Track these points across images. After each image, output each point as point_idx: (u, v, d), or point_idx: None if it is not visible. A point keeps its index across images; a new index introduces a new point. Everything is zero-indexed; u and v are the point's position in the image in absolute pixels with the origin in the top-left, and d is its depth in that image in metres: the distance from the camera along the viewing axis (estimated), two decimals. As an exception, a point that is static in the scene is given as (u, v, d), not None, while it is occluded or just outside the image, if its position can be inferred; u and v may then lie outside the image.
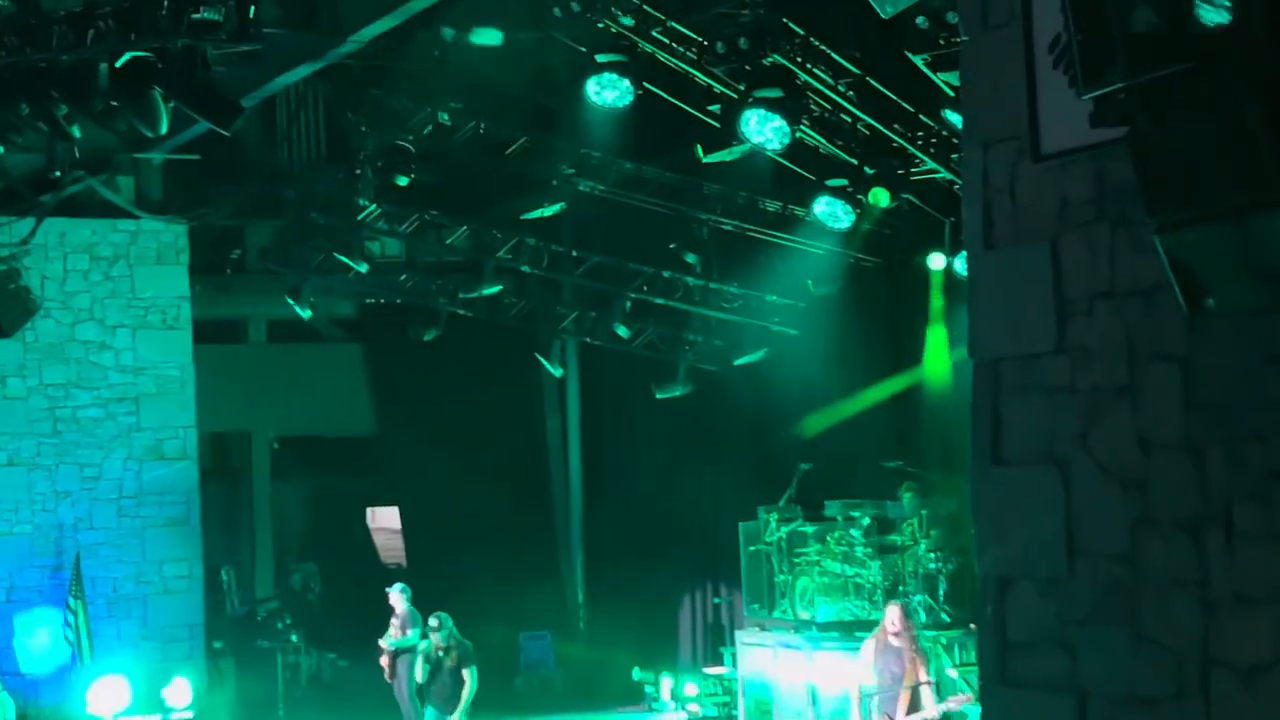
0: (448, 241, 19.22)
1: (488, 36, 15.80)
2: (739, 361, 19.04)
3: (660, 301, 19.17)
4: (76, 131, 13.25)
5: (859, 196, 15.72)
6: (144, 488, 19.57)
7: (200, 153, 19.07)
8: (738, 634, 17.22)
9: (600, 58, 14.47)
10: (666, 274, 18.93)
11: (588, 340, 20.38)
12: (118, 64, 12.26)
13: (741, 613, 17.61)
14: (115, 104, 12.56)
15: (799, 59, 14.14)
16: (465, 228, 19.09)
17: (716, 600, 19.91)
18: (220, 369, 21.30)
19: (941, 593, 15.65)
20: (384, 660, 16.73)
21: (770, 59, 13.92)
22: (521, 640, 21.71)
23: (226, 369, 21.89)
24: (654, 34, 14.46)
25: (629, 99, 14.62)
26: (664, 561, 20.71)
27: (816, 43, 14.22)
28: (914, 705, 12.91)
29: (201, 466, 20.28)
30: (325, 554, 24.79)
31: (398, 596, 16.91)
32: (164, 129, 12.74)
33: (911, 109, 14.77)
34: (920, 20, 12.43)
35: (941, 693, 13.30)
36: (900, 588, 15.61)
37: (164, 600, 19.56)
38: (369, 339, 24.10)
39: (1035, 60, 6.16)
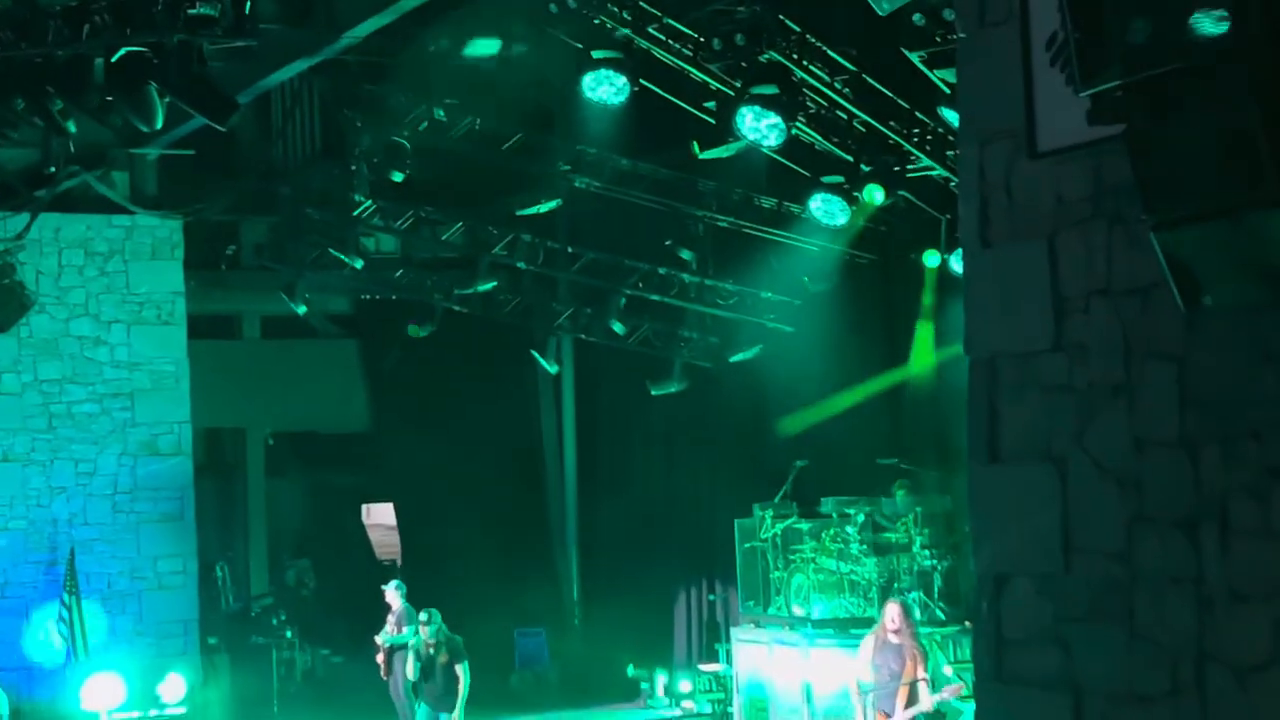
0: (443, 238, 19.22)
1: (483, 47, 15.85)
2: (734, 358, 19.04)
3: (656, 298, 19.17)
4: (72, 127, 13.23)
5: (855, 193, 15.72)
6: (139, 483, 19.56)
7: (195, 148, 19.07)
8: (733, 631, 17.23)
9: (596, 54, 14.46)
10: (662, 270, 18.93)
11: (583, 337, 20.38)
12: (113, 59, 12.25)
13: (737, 609, 17.63)
14: (111, 99, 12.54)
15: (795, 56, 14.14)
16: (461, 224, 19.09)
17: (712, 597, 19.92)
18: (215, 365, 21.28)
19: (936, 590, 15.67)
20: (380, 657, 16.73)
21: (766, 56, 13.92)
22: (516, 636, 21.72)
23: (221, 365, 21.87)
24: (650, 30, 14.45)
25: (625, 95, 14.61)
26: (659, 558, 20.72)
27: (813, 39, 14.21)
28: (912, 701, 12.94)
29: (196, 462, 20.27)
30: (320, 550, 24.79)
31: (393, 593, 16.91)
32: (159, 124, 12.73)
33: (908, 106, 14.77)
34: (917, 17, 12.43)
35: (936, 688, 13.31)
36: (895, 585, 15.63)
37: (158, 596, 19.55)
38: (364, 335, 24.10)
39: (1032, 57, 6.16)
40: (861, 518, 15.94)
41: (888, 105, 14.81)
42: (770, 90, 13.98)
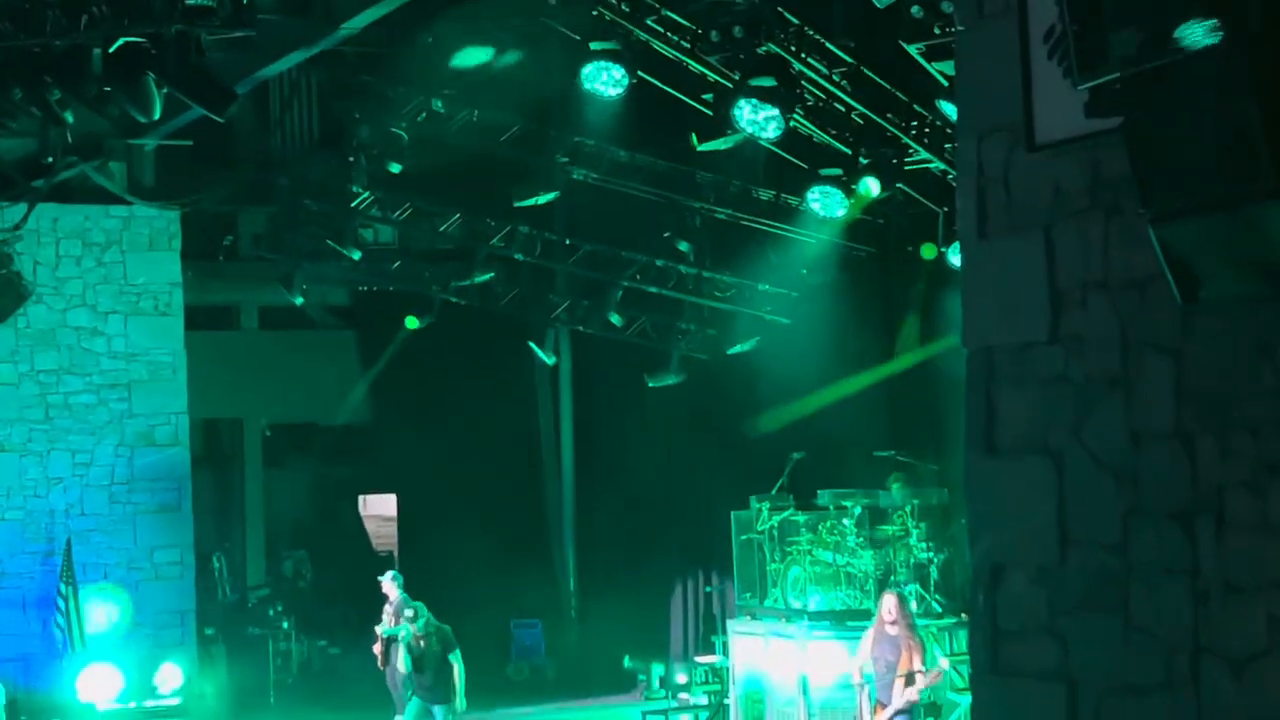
0: (441, 229, 19.22)
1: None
2: (732, 351, 19.05)
3: (653, 290, 19.18)
4: (69, 117, 13.24)
5: (853, 186, 15.72)
6: (136, 474, 19.55)
7: (193, 139, 19.05)
8: (729, 623, 17.24)
9: (594, 45, 14.46)
10: (660, 263, 18.94)
11: (580, 329, 20.38)
12: (111, 49, 12.24)
13: (733, 602, 17.63)
14: (108, 89, 12.53)
15: (793, 48, 14.14)
16: (458, 215, 19.09)
17: (708, 589, 19.93)
18: (212, 356, 21.28)
19: (932, 582, 15.69)
20: (377, 647, 16.71)
21: (764, 48, 13.91)
22: (513, 628, 21.75)
23: (219, 356, 21.87)
24: (648, 22, 14.44)
25: (623, 87, 14.60)
26: (656, 550, 20.74)
27: (811, 32, 14.21)
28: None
29: (193, 453, 20.26)
30: (317, 541, 24.78)
31: (390, 584, 16.87)
32: (157, 115, 12.72)
33: (906, 99, 14.77)
34: (915, 10, 12.43)
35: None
36: (892, 577, 15.64)
37: (155, 587, 19.55)
38: (362, 326, 24.10)
39: (1030, 50, 6.16)
40: (858, 510, 15.95)
41: (886, 98, 14.81)
42: (768, 82, 13.98)
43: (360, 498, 26.56)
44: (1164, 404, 5.78)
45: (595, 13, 14.40)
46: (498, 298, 19.88)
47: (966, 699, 13.70)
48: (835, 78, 14.55)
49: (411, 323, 20.45)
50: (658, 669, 19.93)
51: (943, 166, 15.19)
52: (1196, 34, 4.83)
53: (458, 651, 15.11)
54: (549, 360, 20.85)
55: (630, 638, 20.42)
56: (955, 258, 14.74)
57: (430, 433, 22.67)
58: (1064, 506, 6.13)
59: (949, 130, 14.29)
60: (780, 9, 13.93)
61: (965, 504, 6.69)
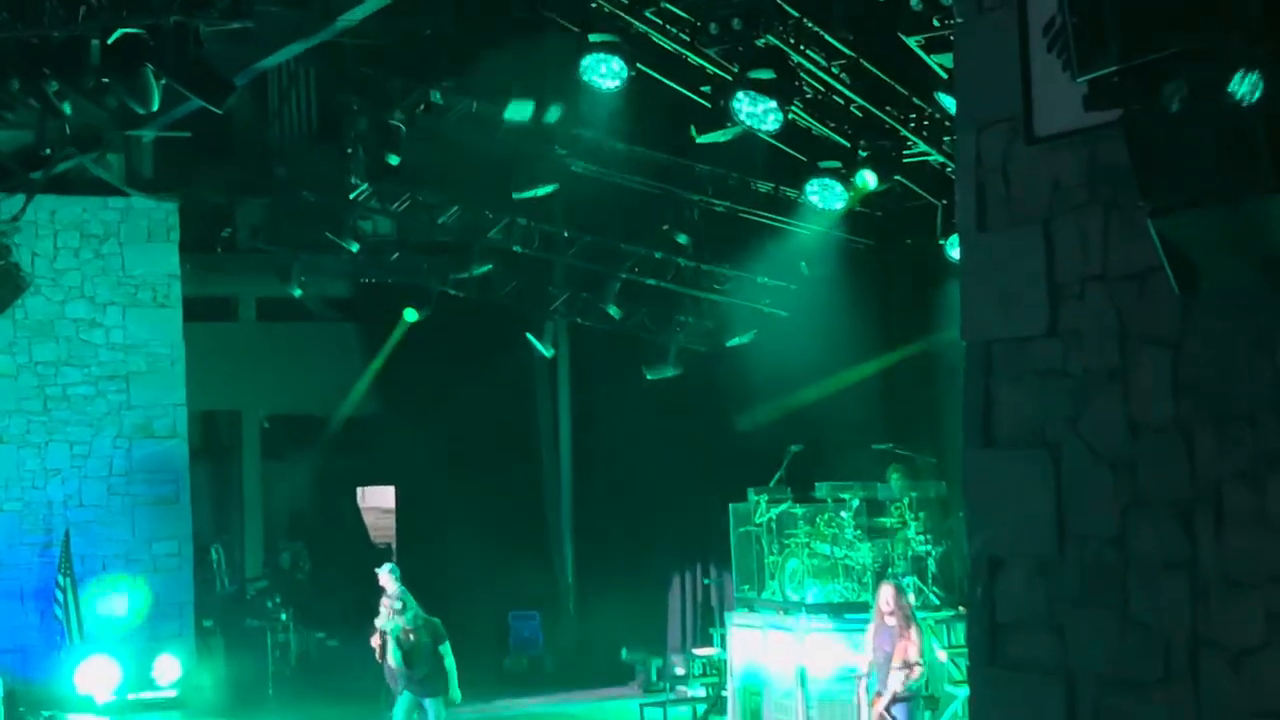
0: (439, 221, 19.19)
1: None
2: (730, 343, 19.05)
3: (651, 282, 19.16)
4: (67, 108, 13.20)
5: (851, 179, 15.71)
6: (134, 466, 19.55)
7: (191, 130, 19.02)
8: (727, 615, 17.24)
9: (593, 37, 14.44)
10: (658, 255, 18.93)
11: (579, 321, 20.37)
12: (110, 41, 12.22)
13: (731, 594, 17.64)
14: (107, 81, 12.51)
15: (792, 40, 14.12)
16: (457, 207, 19.07)
17: (706, 581, 19.94)
18: (211, 347, 21.27)
19: (930, 575, 15.70)
20: (375, 640, 16.69)
21: (763, 40, 13.90)
22: (511, 620, 21.75)
23: (217, 347, 21.86)
24: (647, 14, 14.43)
25: (622, 79, 14.58)
26: (654, 542, 20.74)
27: (810, 24, 14.19)
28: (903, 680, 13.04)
29: (191, 445, 20.25)
30: (315, 533, 24.79)
31: (387, 576, 16.81)
32: (155, 106, 12.70)
33: (905, 91, 14.75)
34: (915, 2, 12.41)
35: (929, 674, 13.38)
36: (890, 570, 15.65)
37: (153, 578, 19.55)
38: (360, 318, 24.09)
39: (1029, 43, 6.16)
40: (856, 503, 15.95)
41: (885, 90, 14.80)
42: (767, 75, 13.97)
43: (359, 490, 26.57)
44: (1162, 397, 5.78)
45: (594, 4, 14.38)
46: (496, 290, 19.87)
47: (964, 691, 13.71)
48: (834, 70, 14.54)
49: (410, 315, 20.44)
50: (656, 661, 19.95)
51: (941, 159, 15.19)
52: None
53: (448, 644, 14.88)
54: (547, 352, 20.84)
55: (628, 630, 20.43)
56: (954, 251, 14.75)
57: (429, 425, 22.67)
58: (1062, 499, 6.13)
59: (948, 123, 14.29)
60: (779, 1, 13.92)
61: (963, 497, 6.70)
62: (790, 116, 14.45)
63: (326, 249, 19.03)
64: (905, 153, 15.58)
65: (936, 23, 12.43)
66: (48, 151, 17.60)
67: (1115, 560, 5.92)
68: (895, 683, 13.03)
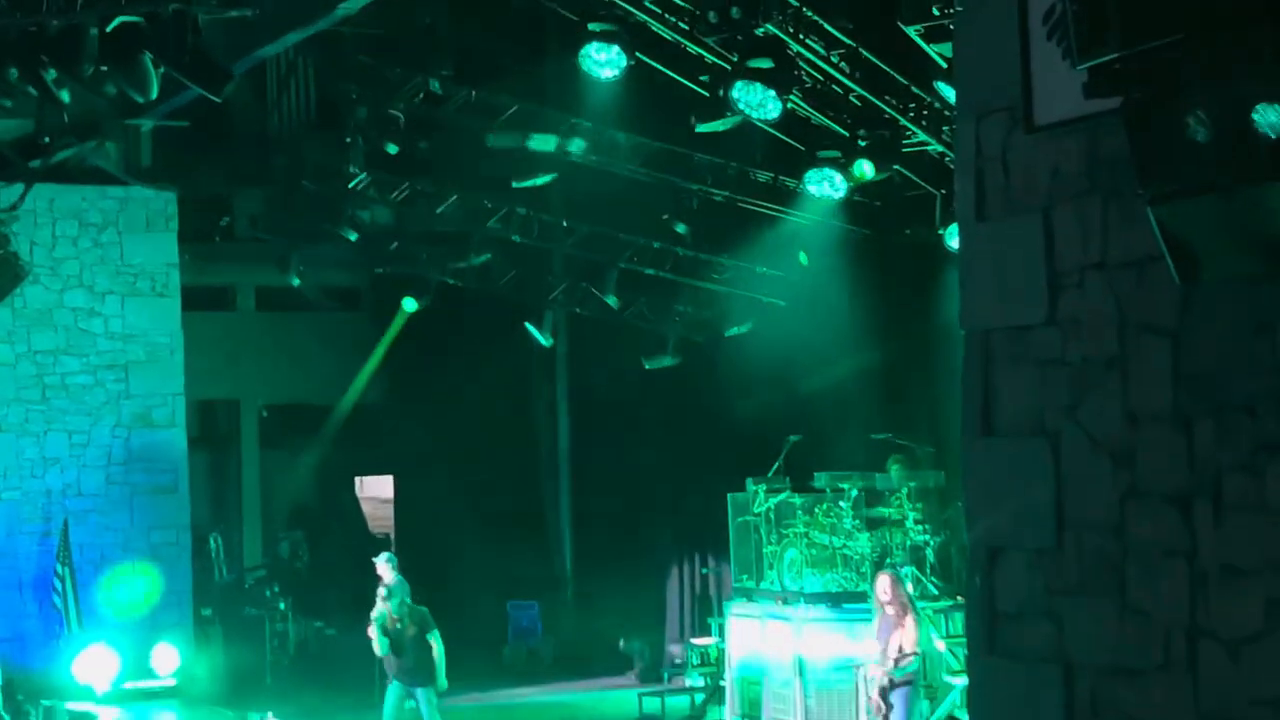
0: (438, 211, 19.17)
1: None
2: (729, 333, 19.04)
3: (650, 272, 19.15)
4: (66, 97, 13.17)
5: (849, 168, 15.69)
6: (132, 455, 19.56)
7: (190, 119, 19.01)
8: (725, 605, 17.25)
9: (593, 26, 14.41)
10: (657, 245, 18.91)
11: (577, 310, 20.36)
12: (108, 29, 12.19)
13: (729, 584, 17.64)
14: (105, 69, 12.48)
15: (791, 29, 14.08)
16: (455, 197, 19.05)
17: (704, 571, 19.94)
18: (209, 336, 21.28)
19: (929, 565, 15.71)
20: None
21: (762, 29, 13.86)
22: (509, 610, 21.74)
23: (216, 336, 21.87)
24: (646, 3, 14.39)
25: (621, 68, 14.56)
26: (652, 532, 20.74)
27: (809, 13, 14.16)
28: (898, 670, 13.04)
29: (190, 434, 20.26)
30: (314, 522, 24.79)
31: (385, 566, 16.79)
32: (154, 95, 12.67)
33: (904, 80, 14.72)
34: (915, -7, 12.40)
35: (928, 664, 13.39)
36: (888, 560, 15.66)
37: (152, 568, 19.56)
38: (359, 307, 24.08)
39: (1029, 31, 6.15)
40: (855, 492, 15.95)
41: (884, 80, 14.77)
42: (766, 64, 13.94)
43: (357, 479, 26.57)
44: (1161, 385, 5.77)
45: (594, -6, 14.36)
46: (495, 279, 19.86)
47: (963, 681, 13.72)
48: (834, 59, 14.50)
49: (409, 304, 20.44)
50: (654, 651, 19.96)
51: (940, 149, 15.16)
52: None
53: (436, 632, 14.71)
54: (546, 342, 20.82)
55: (626, 620, 20.44)
56: (953, 240, 14.73)
57: (427, 414, 22.66)
58: (1061, 488, 6.13)
59: (947, 112, 14.26)
60: (779, -10, 13.88)
61: (962, 486, 6.70)
62: (789, 106, 14.42)
63: (325, 238, 19.02)
64: (904, 142, 15.55)
65: (936, 11, 12.41)
66: (46, 140, 17.58)
67: (1114, 549, 5.92)
68: (878, 670, 13.04)
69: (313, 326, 23.90)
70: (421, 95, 17.13)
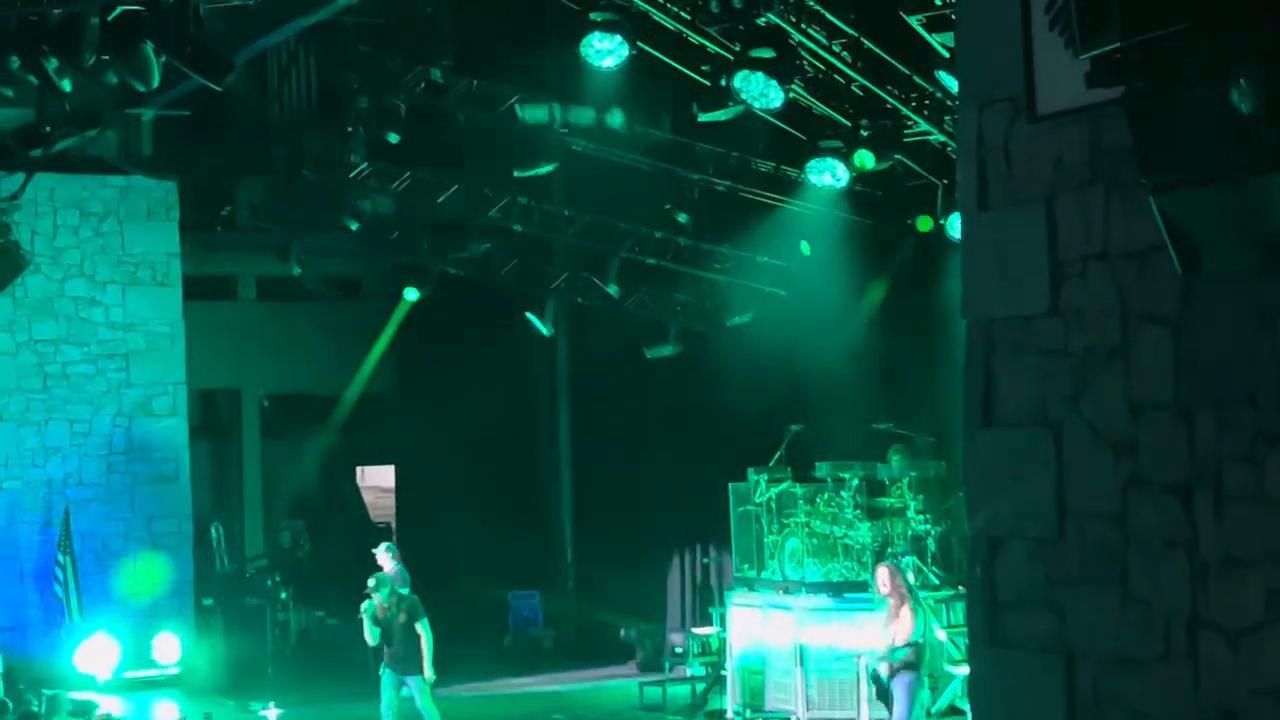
0: (439, 200, 19.16)
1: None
2: (730, 322, 19.03)
3: (651, 262, 19.14)
4: (67, 86, 13.15)
5: (851, 158, 15.68)
6: (133, 444, 19.57)
7: (191, 109, 18.99)
8: (727, 594, 17.26)
9: (594, 15, 14.40)
10: (658, 234, 18.90)
11: (579, 300, 20.36)
12: (109, 18, 12.17)
13: (731, 573, 17.65)
14: (106, 58, 12.46)
15: (793, 19, 14.07)
16: (456, 186, 19.04)
17: (706, 560, 19.94)
18: (210, 326, 21.27)
19: (930, 554, 15.72)
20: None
21: (764, 19, 13.85)
22: (510, 599, 21.75)
23: (216, 326, 21.86)
24: (648, -8, 14.39)
25: (623, 58, 14.54)
26: (653, 521, 20.74)
27: (811, 3, 14.14)
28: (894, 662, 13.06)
29: (191, 423, 20.27)
30: (315, 512, 24.80)
31: (385, 555, 16.81)
32: (155, 84, 12.65)
33: (906, 70, 14.71)
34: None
35: (929, 653, 13.41)
36: (889, 549, 15.67)
37: (153, 556, 19.58)
38: (360, 297, 24.07)
39: (1032, 20, 6.13)
40: (856, 482, 15.96)
41: (886, 69, 14.75)
42: (767, 54, 13.92)
43: (358, 469, 26.58)
44: (1163, 375, 5.77)
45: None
46: (496, 269, 19.85)
47: (964, 671, 13.73)
48: (835, 49, 14.49)
49: (410, 294, 20.43)
50: (655, 640, 19.97)
51: (942, 139, 15.16)
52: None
53: (425, 620, 14.69)
54: (547, 331, 20.81)
55: (628, 609, 20.45)
56: (955, 230, 14.73)
57: (428, 404, 22.66)
58: (1062, 478, 6.13)
59: (949, 102, 14.25)
60: (780, -21, 13.86)
61: (964, 475, 6.69)
62: (791, 95, 14.41)
63: (326, 228, 19.01)
64: (906, 132, 15.54)
65: (938, 1, 12.40)
66: (47, 129, 17.56)
67: (1115, 539, 5.92)
68: (874, 660, 13.08)
69: (314, 316, 23.89)
70: (423, 85, 17.12)
